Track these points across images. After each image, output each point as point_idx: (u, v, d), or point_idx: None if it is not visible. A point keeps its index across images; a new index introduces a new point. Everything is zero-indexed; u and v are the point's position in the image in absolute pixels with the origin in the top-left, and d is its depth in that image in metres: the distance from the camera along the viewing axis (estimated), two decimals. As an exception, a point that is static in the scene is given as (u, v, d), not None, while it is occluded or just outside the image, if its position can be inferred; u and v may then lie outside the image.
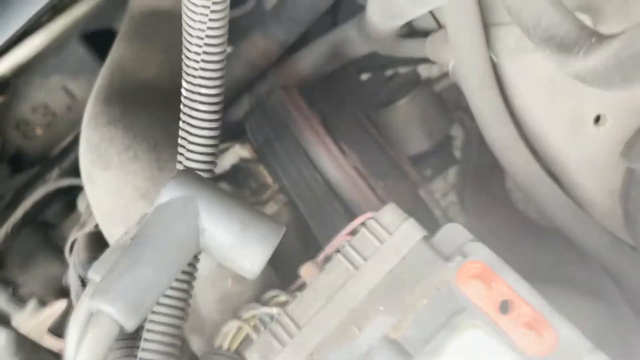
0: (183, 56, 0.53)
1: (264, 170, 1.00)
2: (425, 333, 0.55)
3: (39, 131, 1.30)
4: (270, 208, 0.94)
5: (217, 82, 0.53)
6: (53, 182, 1.01)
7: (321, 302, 0.59)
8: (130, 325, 0.45)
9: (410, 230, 0.60)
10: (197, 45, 0.50)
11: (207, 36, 0.50)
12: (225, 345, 0.61)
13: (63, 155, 1.21)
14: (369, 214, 0.62)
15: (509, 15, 0.59)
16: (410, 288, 0.57)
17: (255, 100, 1.19)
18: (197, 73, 0.52)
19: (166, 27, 0.85)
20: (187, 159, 0.54)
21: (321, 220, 0.94)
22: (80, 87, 1.27)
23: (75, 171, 1.13)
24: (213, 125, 0.54)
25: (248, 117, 1.11)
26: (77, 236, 0.74)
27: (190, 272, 0.54)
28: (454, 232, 0.60)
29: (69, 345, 0.46)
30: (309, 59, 1.18)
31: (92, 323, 0.45)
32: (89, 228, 0.76)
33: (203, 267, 0.59)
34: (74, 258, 0.71)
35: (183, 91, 0.53)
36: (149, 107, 0.75)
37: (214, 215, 0.49)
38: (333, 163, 0.98)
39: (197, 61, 0.51)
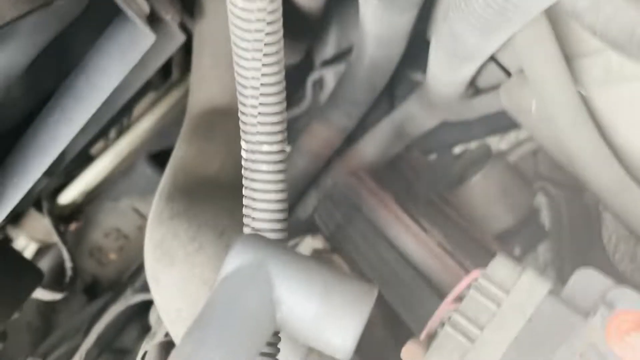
0: (239, 114, 0.49)
1: (340, 259, 0.92)
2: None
3: (112, 256, 1.30)
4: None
5: (278, 137, 0.48)
6: (124, 301, 0.97)
7: None
8: None
9: (532, 284, 0.50)
10: (252, 97, 0.46)
11: (263, 85, 0.46)
12: None
13: (135, 275, 1.18)
14: (475, 273, 0.52)
15: (595, 36, 0.53)
16: (546, 358, 0.46)
17: (323, 193, 1.14)
18: (256, 129, 0.48)
19: (224, 123, 0.83)
20: (254, 219, 0.48)
21: (410, 305, 0.84)
22: (150, 206, 1.28)
23: (147, 289, 1.10)
24: (279, 186, 0.48)
25: (317, 208, 1.05)
26: (147, 348, 0.68)
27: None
28: (588, 279, 0.48)
29: None
30: (373, 144, 1.14)
31: None
32: (159, 338, 0.70)
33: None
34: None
35: (243, 153, 0.49)
36: (213, 198, 0.71)
37: (290, 281, 0.41)
38: (415, 241, 0.90)
39: (254, 115, 0.47)
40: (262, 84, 0.46)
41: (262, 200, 0.48)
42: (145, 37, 0.61)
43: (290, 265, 0.42)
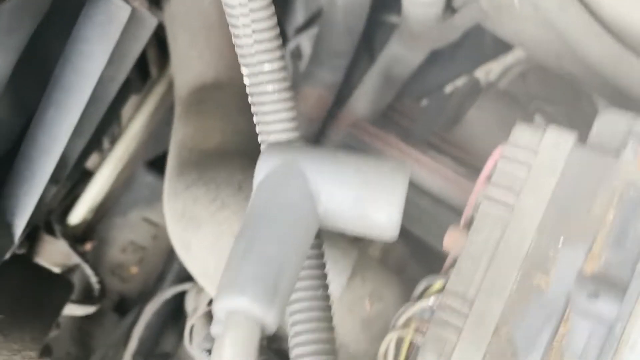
0: (233, 39, 0.48)
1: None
2: (630, 251, 0.42)
3: (134, 270, 1.29)
4: (377, 247, 0.84)
5: (277, 54, 0.46)
6: (158, 298, 0.96)
7: (484, 264, 0.47)
8: (270, 317, 0.36)
9: (557, 139, 0.49)
10: (243, 15, 0.45)
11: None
12: None
13: (161, 281, 1.18)
14: (500, 149, 0.52)
15: None
16: (587, 206, 0.46)
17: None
18: (254, 49, 0.46)
19: (214, 96, 0.83)
20: (271, 133, 0.47)
21: (435, 230, 0.83)
22: (159, 213, 1.27)
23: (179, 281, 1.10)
24: (288, 104, 0.47)
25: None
26: (192, 323, 0.67)
27: (319, 254, 0.45)
28: (612, 120, 0.48)
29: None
30: (364, 98, 1.14)
31: (226, 328, 0.35)
32: (201, 310, 0.69)
33: (333, 288, 0.50)
34: (196, 340, 0.64)
35: (246, 80, 0.48)
36: (223, 162, 0.71)
37: (322, 172, 0.41)
38: (428, 171, 0.90)
39: (249, 35, 0.46)
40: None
41: (274, 121, 0.47)
42: (121, 10, 0.60)
43: (320, 157, 0.42)
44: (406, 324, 0.50)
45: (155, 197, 1.29)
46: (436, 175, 0.90)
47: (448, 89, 1.37)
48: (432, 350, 0.46)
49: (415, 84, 1.17)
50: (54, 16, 0.66)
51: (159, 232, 1.29)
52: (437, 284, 0.50)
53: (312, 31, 1.13)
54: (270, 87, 0.46)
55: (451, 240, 0.50)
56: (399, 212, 0.41)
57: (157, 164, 1.24)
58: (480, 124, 1.14)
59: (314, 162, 0.42)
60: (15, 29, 0.63)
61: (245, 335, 0.35)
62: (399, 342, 0.50)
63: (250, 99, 0.48)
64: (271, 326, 0.37)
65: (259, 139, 0.47)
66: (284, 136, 0.46)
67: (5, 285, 0.69)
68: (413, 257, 0.84)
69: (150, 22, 0.78)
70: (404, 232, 0.86)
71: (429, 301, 0.49)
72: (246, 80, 0.48)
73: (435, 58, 1.14)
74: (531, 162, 0.49)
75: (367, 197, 0.41)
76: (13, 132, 0.73)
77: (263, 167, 0.42)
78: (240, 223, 0.39)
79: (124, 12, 0.61)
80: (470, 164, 1.05)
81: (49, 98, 0.66)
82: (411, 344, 0.50)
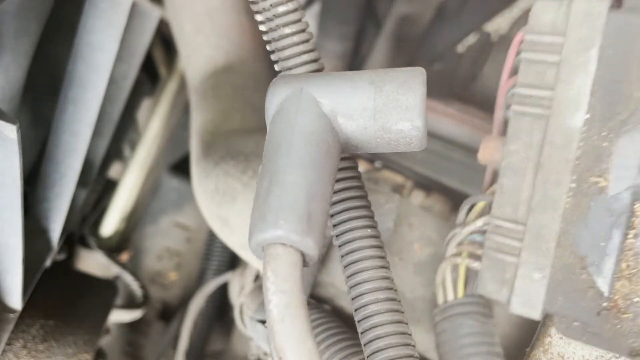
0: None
1: (389, 173, 0.90)
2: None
3: (172, 276, 1.29)
4: (418, 198, 0.82)
5: None
6: (200, 295, 0.95)
7: (529, 177, 0.42)
8: (309, 242, 0.34)
9: (588, 9, 0.40)
10: None
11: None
12: (451, 296, 0.47)
13: (201, 281, 1.17)
14: (519, 36, 0.45)
15: None
16: (638, 82, 0.39)
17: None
18: None
19: (228, 78, 0.82)
20: (290, 68, 0.45)
21: (475, 183, 0.81)
22: (189, 216, 1.27)
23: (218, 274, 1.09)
24: (309, 45, 0.46)
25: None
26: (241, 301, 0.66)
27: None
28: None
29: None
30: (378, 64, 1.12)
31: (266, 262, 0.33)
32: (247, 288, 0.68)
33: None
34: (247, 315, 0.62)
35: (262, 27, 0.46)
36: (248, 136, 0.70)
37: (334, 91, 0.39)
38: (456, 121, 0.87)
39: None
40: None
41: (297, 64, 0.46)
42: (124, -4, 0.60)
43: (329, 78, 0.40)
44: (458, 251, 0.47)
45: (183, 200, 1.29)
46: (464, 125, 0.88)
47: (460, 48, 1.34)
48: (492, 278, 0.43)
49: (426, 48, 1.15)
50: (59, 12, 0.65)
51: (192, 235, 1.29)
52: (480, 204, 0.47)
53: (315, 9, 1.12)
54: (288, 30, 0.45)
55: (487, 151, 0.46)
56: (421, 116, 0.39)
57: (181, 167, 1.24)
58: (497, 77, 1.11)
59: (323, 84, 0.40)
60: (22, 32, 0.63)
61: (285, 263, 0.33)
62: (455, 270, 0.47)
63: (271, 51, 0.46)
64: (311, 252, 0.35)
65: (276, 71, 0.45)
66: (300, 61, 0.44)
67: (50, 292, 0.69)
68: (454, 210, 0.82)
69: (153, 14, 0.77)
70: (442, 187, 0.84)
71: (477, 224, 0.46)
72: (262, 27, 0.46)
73: (442, 19, 1.12)
74: (560, 44, 0.41)
75: (385, 107, 0.38)
76: (36, 138, 0.73)
77: (273, 101, 0.40)
78: (263, 157, 0.38)
79: (127, -2, 0.60)
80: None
81: (65, 96, 0.66)
82: (468, 271, 0.47)
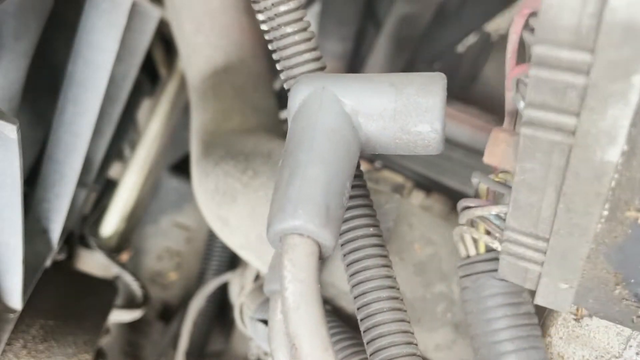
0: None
1: (389, 173, 0.90)
2: None
3: (172, 276, 1.29)
4: (418, 198, 0.82)
5: None
6: (200, 295, 0.95)
7: (550, 197, 0.36)
8: (326, 234, 0.35)
9: (629, 19, 0.29)
10: None
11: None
12: (472, 251, 0.46)
13: (201, 282, 1.17)
14: (525, 10, 0.38)
15: None
16: None
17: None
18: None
19: (228, 78, 0.82)
20: (292, 67, 0.45)
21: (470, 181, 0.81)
22: (189, 216, 1.27)
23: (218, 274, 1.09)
24: (311, 43, 0.46)
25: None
26: (241, 301, 0.66)
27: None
28: None
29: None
30: (378, 65, 1.12)
31: (284, 252, 0.34)
32: (247, 288, 0.68)
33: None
34: (247, 315, 0.62)
35: (264, 26, 0.47)
36: (248, 136, 0.70)
37: (356, 92, 0.40)
38: (457, 122, 0.87)
39: None
40: None
41: (298, 64, 0.46)
42: (124, -6, 0.60)
43: (350, 79, 0.41)
44: (471, 224, 0.46)
45: (183, 201, 1.29)
46: (465, 125, 0.88)
47: (460, 48, 1.34)
48: (512, 276, 0.42)
49: (426, 48, 1.15)
50: (59, 12, 0.65)
51: (192, 235, 1.29)
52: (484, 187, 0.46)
53: (315, 9, 1.12)
54: (289, 29, 0.45)
55: (495, 159, 0.43)
56: (440, 119, 0.39)
57: (181, 168, 1.24)
58: (497, 78, 1.11)
59: (345, 84, 0.40)
60: (22, 32, 0.63)
61: (302, 253, 0.34)
62: (472, 232, 0.45)
63: (273, 50, 0.46)
64: (328, 244, 0.35)
65: (285, 85, 0.46)
66: (309, 68, 0.45)
67: (50, 292, 0.69)
68: (454, 210, 0.82)
69: (153, 14, 0.77)
70: (442, 187, 0.85)
71: (492, 210, 0.44)
72: (264, 27, 0.46)
73: (442, 19, 1.12)
74: (588, 63, 0.31)
75: (405, 109, 0.39)
76: (36, 138, 0.73)
77: (296, 99, 0.40)
78: (283, 151, 0.38)
79: (127, -3, 0.60)
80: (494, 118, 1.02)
81: (66, 96, 0.66)
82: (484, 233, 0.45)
